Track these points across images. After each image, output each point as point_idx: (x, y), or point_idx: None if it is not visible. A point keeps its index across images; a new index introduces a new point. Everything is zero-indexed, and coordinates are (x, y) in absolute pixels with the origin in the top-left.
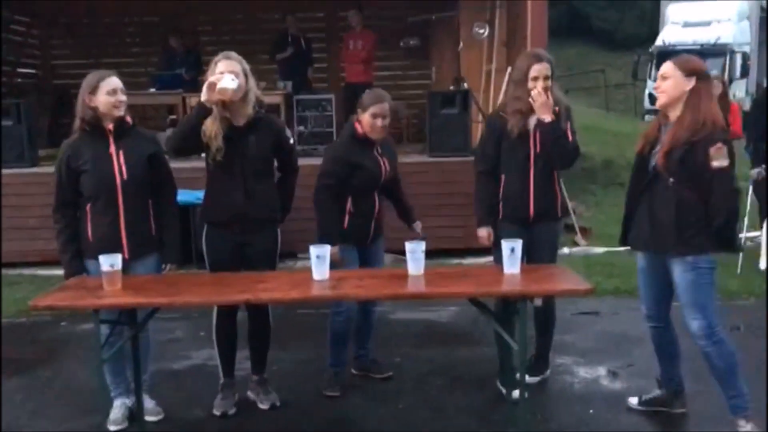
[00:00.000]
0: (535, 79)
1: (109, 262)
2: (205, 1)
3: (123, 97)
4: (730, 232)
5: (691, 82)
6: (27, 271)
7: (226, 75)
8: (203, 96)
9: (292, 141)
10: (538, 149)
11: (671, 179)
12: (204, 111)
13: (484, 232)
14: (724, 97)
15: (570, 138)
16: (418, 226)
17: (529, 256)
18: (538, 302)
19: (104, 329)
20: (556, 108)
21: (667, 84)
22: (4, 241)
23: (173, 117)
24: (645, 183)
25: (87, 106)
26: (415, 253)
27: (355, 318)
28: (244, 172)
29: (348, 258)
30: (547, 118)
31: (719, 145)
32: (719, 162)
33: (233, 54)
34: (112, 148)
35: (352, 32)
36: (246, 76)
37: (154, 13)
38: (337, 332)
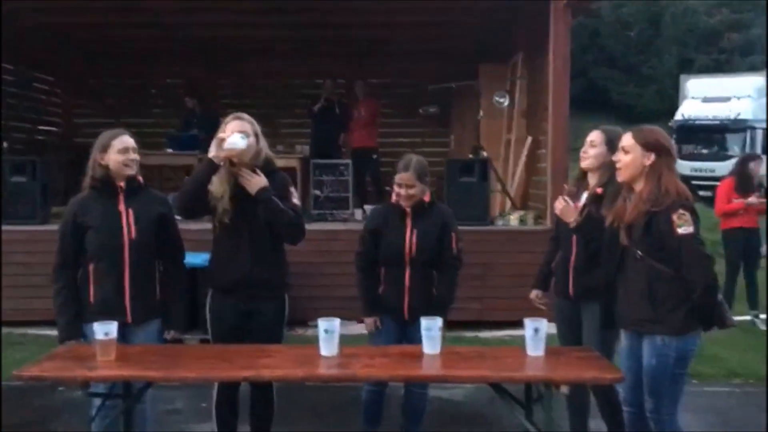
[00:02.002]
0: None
1: (104, 331)
2: (226, 65)
3: (135, 156)
4: (711, 306)
5: (650, 158)
6: (32, 331)
7: (235, 133)
8: (211, 152)
9: (296, 201)
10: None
11: (639, 252)
12: (212, 167)
13: (532, 294)
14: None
15: None
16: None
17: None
18: (565, 390)
19: (96, 401)
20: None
21: (627, 159)
22: (10, 299)
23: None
24: (618, 258)
25: (98, 163)
26: (430, 330)
27: (384, 393)
28: (252, 235)
29: (381, 329)
30: (571, 223)
31: (681, 211)
32: (684, 229)
33: (244, 115)
34: (122, 206)
35: (356, 101)
36: (257, 137)
37: (177, 77)
38: (366, 403)
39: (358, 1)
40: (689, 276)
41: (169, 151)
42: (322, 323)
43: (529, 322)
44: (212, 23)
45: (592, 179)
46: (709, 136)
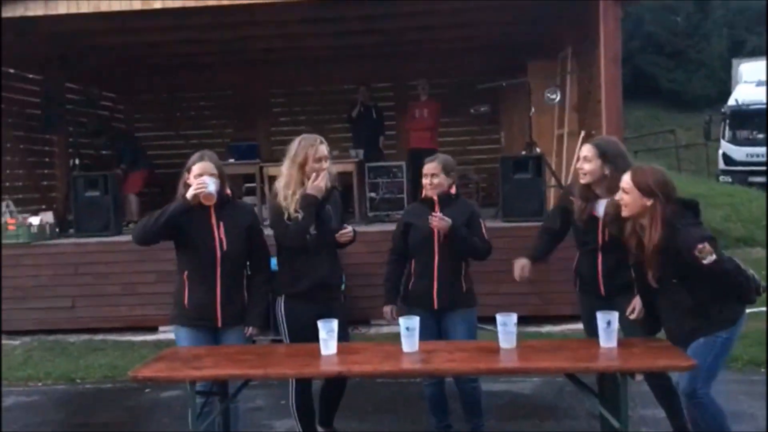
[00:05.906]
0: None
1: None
2: (276, 73)
3: (207, 180)
4: (746, 290)
5: (648, 201)
6: (110, 337)
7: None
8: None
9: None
10: (606, 238)
11: (674, 279)
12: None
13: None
14: None
15: None
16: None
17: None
18: (639, 378)
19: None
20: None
21: (627, 198)
22: (89, 308)
23: (249, 185)
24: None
25: (185, 182)
26: (506, 326)
27: (443, 386)
28: (327, 242)
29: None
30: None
31: (700, 246)
32: (708, 259)
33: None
34: (213, 220)
35: (418, 101)
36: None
37: (228, 88)
38: (429, 398)
39: (401, 1)
40: (729, 288)
41: (231, 160)
42: (403, 321)
43: (601, 315)
44: (264, 35)
45: (598, 188)
46: (764, 121)
